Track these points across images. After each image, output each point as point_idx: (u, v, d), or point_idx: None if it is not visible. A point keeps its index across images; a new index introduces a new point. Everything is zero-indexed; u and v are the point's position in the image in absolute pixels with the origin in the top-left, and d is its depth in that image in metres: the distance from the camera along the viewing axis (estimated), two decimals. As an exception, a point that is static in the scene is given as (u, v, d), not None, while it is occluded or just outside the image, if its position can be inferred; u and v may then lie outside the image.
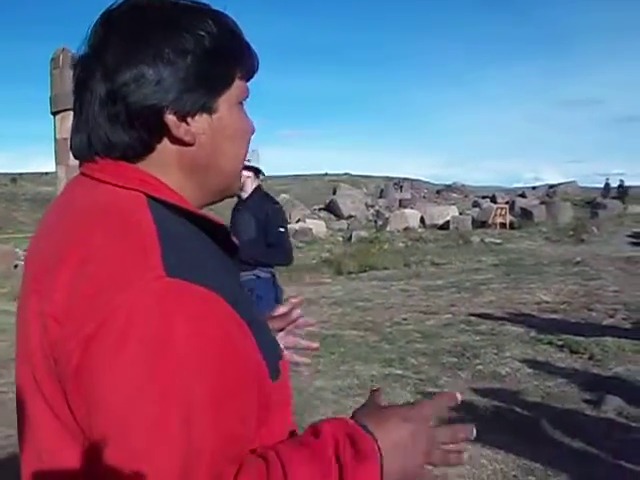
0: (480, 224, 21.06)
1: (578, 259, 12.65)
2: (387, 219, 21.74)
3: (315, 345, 1.24)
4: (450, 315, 7.76)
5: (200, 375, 0.67)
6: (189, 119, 0.79)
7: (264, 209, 4.30)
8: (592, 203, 26.08)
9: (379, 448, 0.77)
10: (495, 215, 21.08)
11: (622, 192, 29.76)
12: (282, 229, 4.35)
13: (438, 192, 34.07)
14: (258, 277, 4.17)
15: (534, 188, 36.01)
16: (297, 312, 1.14)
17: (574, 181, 36.35)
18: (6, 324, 7.20)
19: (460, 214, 22.51)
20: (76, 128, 0.82)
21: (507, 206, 22.28)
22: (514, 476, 3.45)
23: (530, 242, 17.58)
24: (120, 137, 0.78)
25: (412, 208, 23.31)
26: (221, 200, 0.92)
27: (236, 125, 0.85)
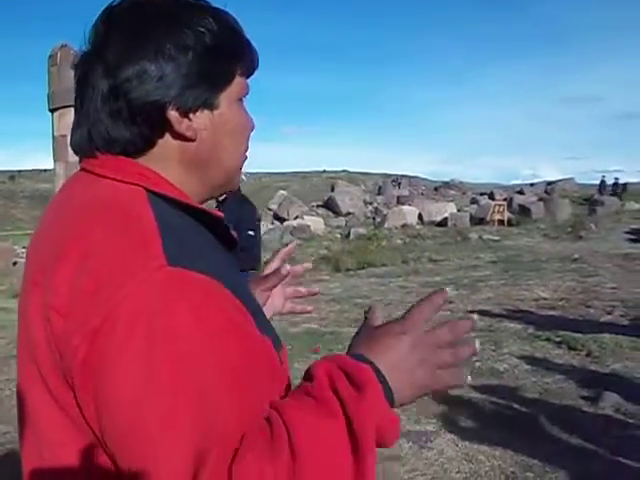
0: (478, 221, 21.06)
1: (576, 256, 12.67)
2: (385, 216, 21.72)
3: (315, 289, 1.24)
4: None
5: (208, 360, 0.67)
6: (191, 115, 0.80)
7: (236, 211, 4.25)
8: (590, 200, 26.10)
9: (378, 372, 0.74)
10: (493, 212, 21.08)
11: (616, 189, 29.77)
12: (252, 232, 4.28)
13: (436, 189, 34.05)
14: None
15: (532, 185, 36.00)
16: (286, 267, 1.12)
17: (572, 178, 36.39)
18: (5, 321, 7.19)
19: (458, 211, 22.50)
20: (77, 124, 0.82)
21: (505, 203, 22.28)
22: (512, 472, 3.45)
23: (528, 239, 17.59)
24: (121, 133, 0.79)
25: (410, 205, 23.28)
26: (220, 195, 0.93)
27: (236, 121, 0.86)
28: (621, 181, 31.47)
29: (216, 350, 0.68)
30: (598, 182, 32.03)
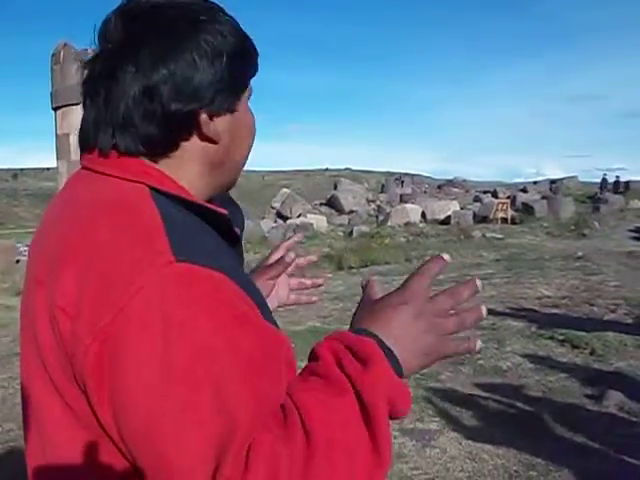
0: (481, 219, 21.02)
1: (580, 254, 12.64)
2: (388, 214, 21.71)
3: (320, 280, 1.24)
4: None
5: (223, 353, 0.67)
6: (215, 118, 0.81)
7: None
8: (593, 198, 26.04)
9: (382, 344, 0.74)
10: (496, 210, 21.04)
11: (617, 187, 29.67)
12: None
13: (439, 187, 34.02)
14: None
15: (535, 183, 35.90)
16: (291, 255, 1.12)
17: (575, 176, 36.28)
18: (8, 319, 7.21)
19: (461, 209, 22.46)
20: (94, 120, 0.80)
21: (508, 201, 22.24)
22: (515, 471, 3.45)
23: (531, 237, 17.56)
24: (152, 133, 0.78)
25: (413, 203, 23.26)
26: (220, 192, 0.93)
27: (248, 122, 0.88)
28: (623, 179, 31.38)
29: (230, 342, 0.68)
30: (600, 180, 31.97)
